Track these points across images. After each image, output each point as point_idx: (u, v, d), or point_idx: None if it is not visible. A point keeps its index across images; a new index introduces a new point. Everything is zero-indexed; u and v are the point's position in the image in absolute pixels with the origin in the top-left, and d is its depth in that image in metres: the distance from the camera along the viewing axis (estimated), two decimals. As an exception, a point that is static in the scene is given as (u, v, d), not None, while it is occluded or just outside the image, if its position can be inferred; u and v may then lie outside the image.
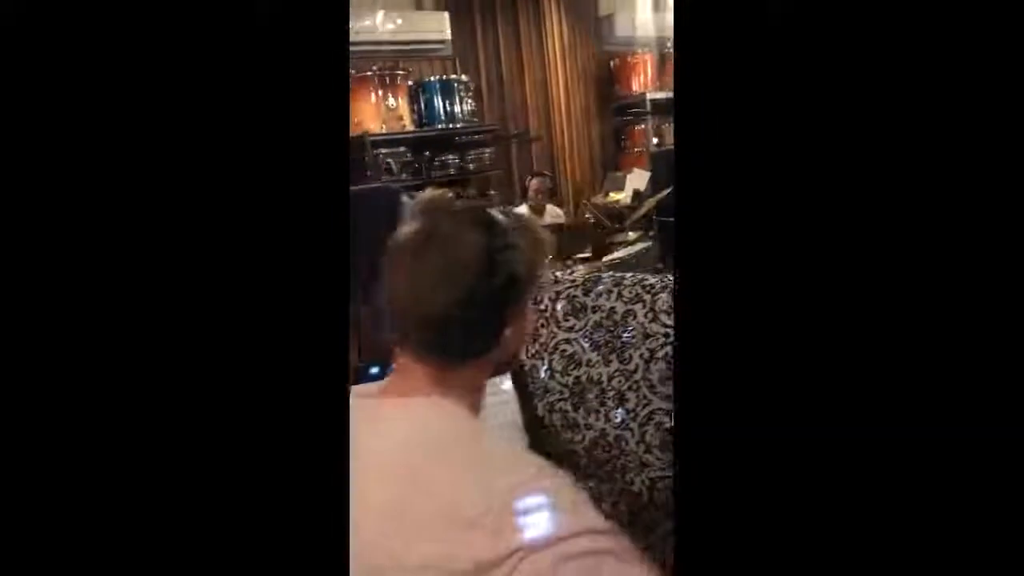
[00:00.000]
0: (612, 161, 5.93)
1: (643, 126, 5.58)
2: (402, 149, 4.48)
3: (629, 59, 5.63)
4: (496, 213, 0.88)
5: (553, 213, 4.28)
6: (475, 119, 4.94)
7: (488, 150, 4.89)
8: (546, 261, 1.03)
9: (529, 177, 4.46)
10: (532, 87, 5.51)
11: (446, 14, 4.97)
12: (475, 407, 0.89)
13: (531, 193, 4.23)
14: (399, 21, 4.65)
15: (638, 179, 4.38)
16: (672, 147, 4.30)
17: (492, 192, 4.76)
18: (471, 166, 4.79)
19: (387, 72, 4.52)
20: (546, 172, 4.73)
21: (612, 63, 5.75)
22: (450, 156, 4.69)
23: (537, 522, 0.70)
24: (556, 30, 5.55)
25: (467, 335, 0.83)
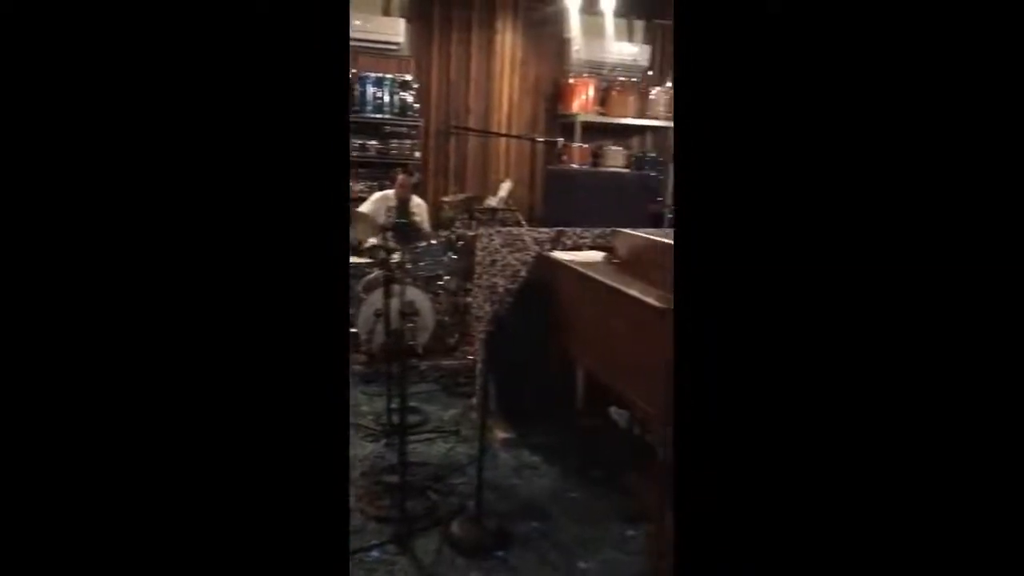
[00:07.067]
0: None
1: (580, 144, 5.94)
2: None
3: (572, 81, 5.97)
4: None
5: (415, 203, 4.75)
6: (409, 113, 5.52)
7: (410, 141, 5.55)
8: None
9: (397, 171, 4.90)
10: (476, 93, 5.94)
11: (403, 20, 5.55)
12: None
13: (396, 187, 4.63)
14: (357, 22, 5.26)
15: (505, 189, 5.39)
16: (563, 167, 5.00)
17: (417, 174, 5.38)
18: (392, 152, 5.50)
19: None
20: (412, 170, 5.17)
21: (561, 83, 6.10)
22: (372, 141, 5.46)
23: None
24: (509, 44, 5.92)
25: None
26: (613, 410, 3.37)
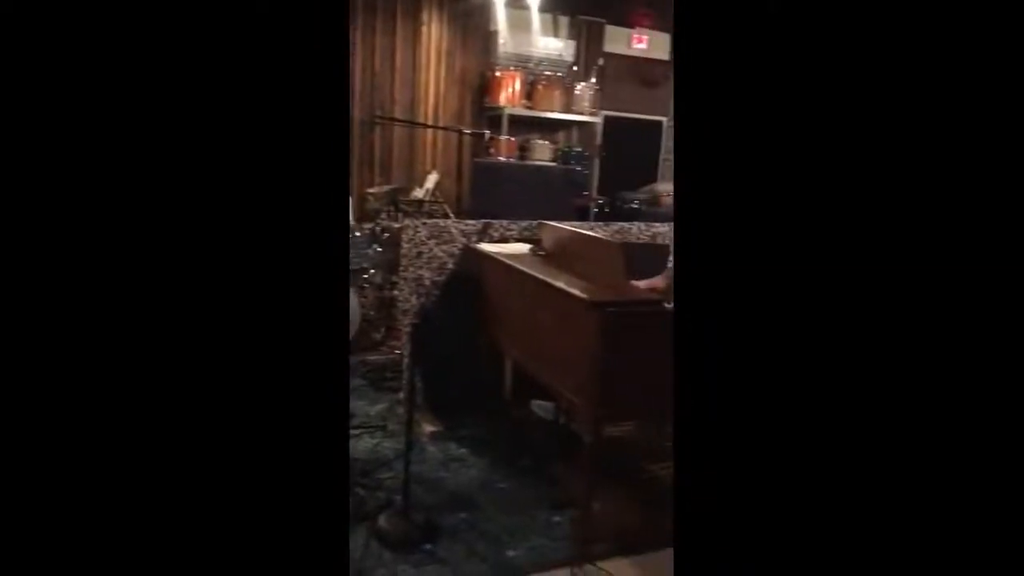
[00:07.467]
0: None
1: (508, 137, 5.98)
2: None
3: (499, 74, 5.99)
4: None
5: None
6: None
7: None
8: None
9: None
10: (402, 84, 5.86)
11: (323, 4, 5.27)
12: None
13: None
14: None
15: (431, 181, 5.34)
16: (490, 160, 5.04)
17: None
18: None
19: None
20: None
21: (488, 75, 6.11)
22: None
23: None
24: (435, 35, 5.87)
25: None
26: (534, 403, 3.41)
